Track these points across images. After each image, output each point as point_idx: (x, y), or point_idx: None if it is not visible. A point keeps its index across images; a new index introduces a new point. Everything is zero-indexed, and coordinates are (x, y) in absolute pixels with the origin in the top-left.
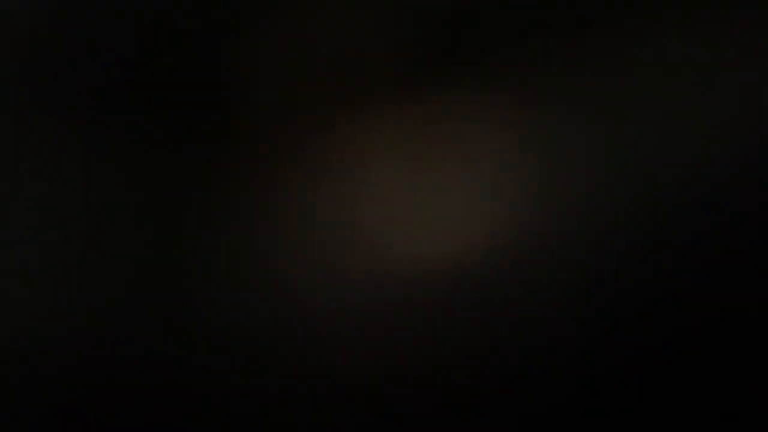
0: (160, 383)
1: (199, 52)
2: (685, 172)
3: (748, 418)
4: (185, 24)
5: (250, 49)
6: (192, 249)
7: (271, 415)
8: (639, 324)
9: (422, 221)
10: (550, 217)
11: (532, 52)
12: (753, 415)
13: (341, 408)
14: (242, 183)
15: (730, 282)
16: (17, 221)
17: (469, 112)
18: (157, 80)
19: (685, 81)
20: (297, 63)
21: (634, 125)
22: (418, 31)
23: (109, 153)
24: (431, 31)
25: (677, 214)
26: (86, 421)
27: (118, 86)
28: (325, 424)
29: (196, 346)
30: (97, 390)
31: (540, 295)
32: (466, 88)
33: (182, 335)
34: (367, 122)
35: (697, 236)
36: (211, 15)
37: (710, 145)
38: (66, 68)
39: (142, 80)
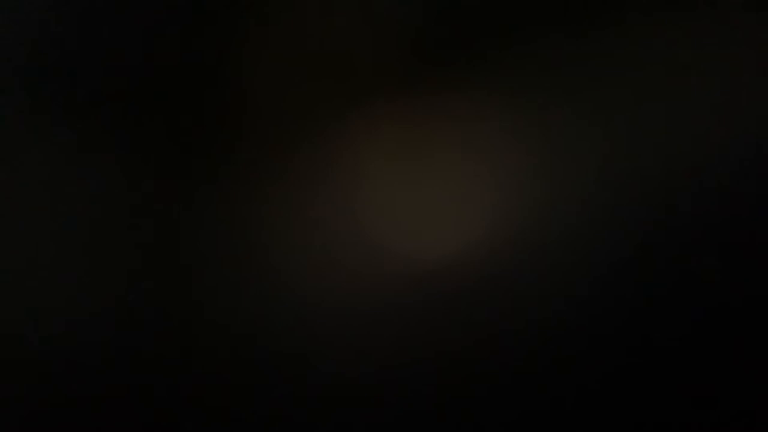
0: (160, 383)
1: (199, 52)
2: (684, 173)
3: (748, 417)
4: (186, 24)
5: (251, 49)
6: (192, 249)
7: (271, 415)
8: (639, 324)
9: (422, 221)
10: (549, 217)
11: (532, 52)
12: (753, 415)
13: (341, 407)
14: (243, 183)
15: (730, 282)
16: (18, 221)
17: (469, 113)
18: (157, 80)
19: (685, 81)
20: (297, 63)
21: (634, 125)
22: (418, 30)
23: (110, 153)
24: (431, 31)
25: (677, 214)
26: (86, 421)
27: (119, 86)
28: (326, 423)
29: (196, 345)
30: (97, 389)
31: (540, 295)
32: (466, 88)
33: (182, 335)
34: (368, 122)
35: (697, 236)
36: (211, 15)
37: (710, 146)
38: (66, 68)
39: (142, 80)
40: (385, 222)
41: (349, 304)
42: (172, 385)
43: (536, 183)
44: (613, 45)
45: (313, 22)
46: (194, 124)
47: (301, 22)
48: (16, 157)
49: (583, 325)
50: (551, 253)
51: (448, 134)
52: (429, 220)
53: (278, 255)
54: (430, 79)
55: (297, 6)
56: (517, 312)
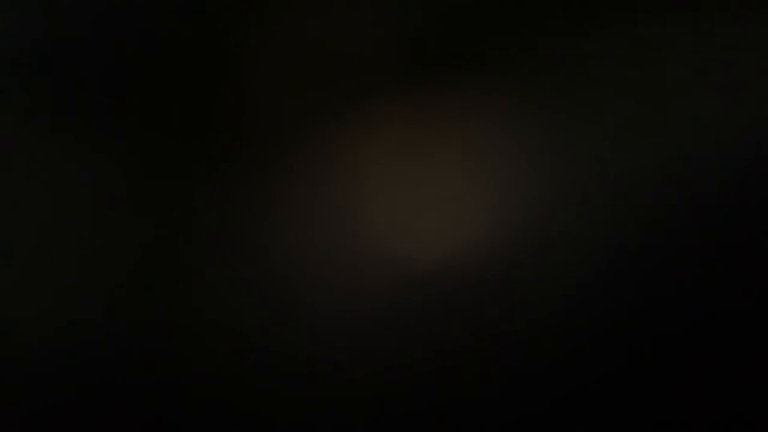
0: (160, 383)
1: (199, 52)
2: (684, 172)
3: (748, 417)
4: (186, 24)
5: (251, 49)
6: (192, 249)
7: (271, 415)
8: (638, 324)
9: (422, 221)
10: (550, 216)
11: (532, 52)
12: (753, 415)
13: (341, 407)
14: (243, 183)
15: (730, 281)
16: (19, 220)
17: (469, 113)
18: (157, 80)
19: (685, 81)
20: (297, 63)
21: (634, 125)
22: (417, 31)
23: (110, 153)
24: (431, 31)
25: (677, 213)
26: (86, 421)
27: (119, 86)
28: (326, 423)
29: (196, 345)
30: (97, 389)
31: (540, 295)
32: (466, 88)
33: (182, 335)
34: (368, 122)
35: (697, 236)
36: (211, 15)
37: (710, 145)
38: (66, 68)
39: (142, 80)
40: (385, 222)
41: (349, 304)
42: (172, 385)
43: (536, 183)
44: (613, 45)
45: (313, 22)
46: (194, 124)
47: (301, 22)
48: (16, 157)
49: (583, 325)
50: (551, 253)
51: (448, 134)
52: (429, 220)
53: (278, 255)
54: (430, 79)
55: (297, 6)
56: (517, 312)
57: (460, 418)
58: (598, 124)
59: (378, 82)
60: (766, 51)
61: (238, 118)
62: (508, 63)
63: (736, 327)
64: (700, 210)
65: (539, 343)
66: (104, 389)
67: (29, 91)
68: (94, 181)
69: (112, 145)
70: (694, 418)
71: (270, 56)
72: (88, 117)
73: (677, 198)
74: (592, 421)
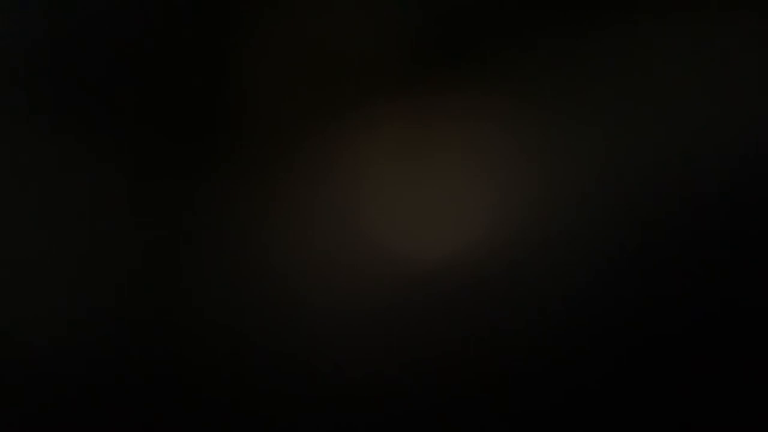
0: (160, 382)
1: (199, 52)
2: (684, 172)
3: (749, 417)
4: (186, 24)
5: (251, 49)
6: (192, 248)
7: (271, 415)
8: (638, 323)
9: (422, 221)
10: (549, 217)
11: (532, 52)
12: (753, 415)
13: (341, 407)
14: (243, 182)
15: (730, 281)
16: (19, 220)
17: (469, 113)
18: (157, 80)
19: (685, 81)
20: (297, 63)
21: (634, 125)
22: (417, 31)
23: (110, 153)
24: (431, 32)
25: (676, 213)
26: (86, 420)
27: (119, 86)
28: (326, 423)
29: (196, 345)
30: (96, 389)
31: (540, 295)
32: (466, 88)
33: (182, 334)
34: (368, 122)
35: (697, 236)
36: (211, 15)
37: (710, 145)
38: (66, 68)
39: (142, 80)
40: (385, 222)
41: (349, 304)
42: (172, 385)
43: (536, 183)
44: (613, 45)
45: (313, 22)
46: (194, 124)
47: (301, 22)
48: (16, 157)
49: (583, 325)
50: (551, 253)
51: (448, 134)
52: (429, 220)
53: (278, 255)
54: (430, 79)
55: (297, 6)
56: (517, 312)
57: (460, 418)
58: (598, 124)
59: (378, 82)
60: (766, 51)
61: (238, 118)
62: (508, 63)
63: (736, 327)
64: (700, 210)
65: (539, 343)
66: (104, 389)
67: (29, 91)
68: (94, 180)
69: (112, 144)
70: (694, 418)
71: (270, 56)
72: (88, 117)
73: (677, 198)
74: (592, 421)
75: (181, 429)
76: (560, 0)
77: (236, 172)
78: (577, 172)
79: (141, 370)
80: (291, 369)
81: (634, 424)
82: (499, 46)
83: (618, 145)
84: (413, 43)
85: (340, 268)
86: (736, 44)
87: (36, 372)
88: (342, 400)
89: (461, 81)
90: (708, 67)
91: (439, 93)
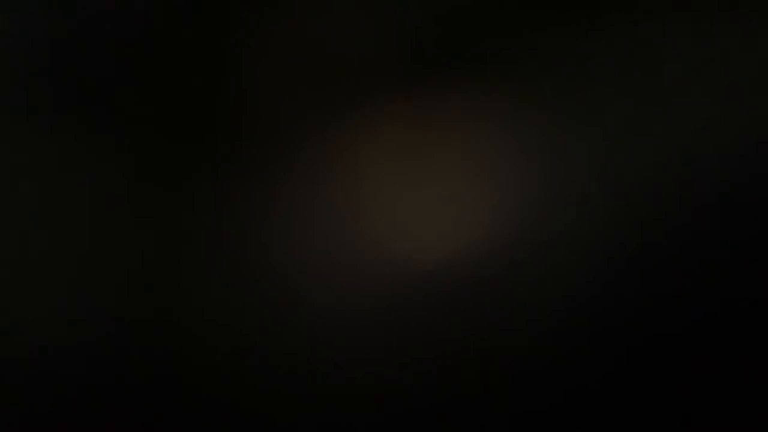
0: (160, 382)
1: (199, 51)
2: (684, 172)
3: (749, 417)
4: (186, 24)
5: (251, 49)
6: (193, 249)
7: (271, 415)
8: (638, 323)
9: (422, 221)
10: (549, 217)
11: (532, 52)
12: (753, 415)
13: (341, 407)
14: (243, 183)
15: (730, 281)
16: (19, 220)
17: (469, 113)
18: (157, 80)
19: (685, 81)
20: (297, 63)
21: (634, 125)
22: (417, 31)
23: (110, 153)
24: (431, 32)
25: (676, 213)
26: (87, 421)
27: (119, 86)
28: (326, 423)
29: (196, 345)
30: (96, 389)
31: (540, 295)
32: (466, 88)
33: (182, 334)
34: (368, 122)
35: (697, 236)
36: (211, 15)
37: (709, 145)
38: (66, 68)
39: (142, 80)
40: (385, 222)
41: (349, 304)
42: (172, 385)
43: (536, 183)
44: (613, 45)
45: (313, 22)
46: (194, 124)
47: (301, 22)
48: (16, 158)
49: (583, 325)
50: (551, 253)
51: (448, 134)
52: (429, 220)
53: (278, 255)
54: (430, 79)
55: (297, 6)
56: (517, 312)
57: (460, 418)
58: (598, 124)
59: (378, 82)
60: (766, 51)
61: (238, 118)
62: (508, 63)
63: (736, 327)
64: (700, 210)
65: (539, 343)
66: (104, 389)
67: (29, 91)
68: (94, 181)
69: (112, 145)
70: (694, 418)
71: (270, 56)
72: (88, 117)
73: (677, 198)
74: (592, 421)
75: (181, 429)
76: (560, 0)
77: (236, 172)
78: (577, 172)
79: (141, 370)
80: (291, 369)
81: (634, 424)
82: (499, 46)
83: (618, 145)
84: (413, 43)
85: (340, 268)
86: (736, 44)
87: (36, 372)
88: (342, 400)
89: (461, 81)
90: (708, 67)
91: (439, 93)
